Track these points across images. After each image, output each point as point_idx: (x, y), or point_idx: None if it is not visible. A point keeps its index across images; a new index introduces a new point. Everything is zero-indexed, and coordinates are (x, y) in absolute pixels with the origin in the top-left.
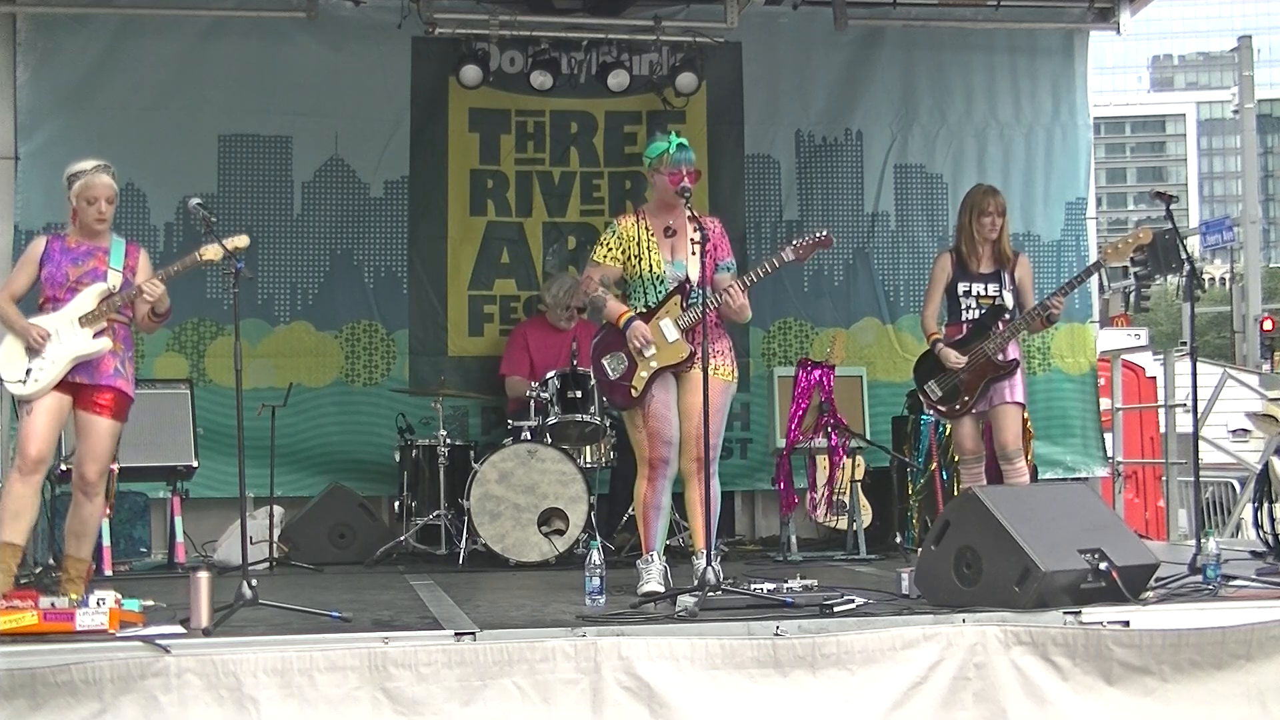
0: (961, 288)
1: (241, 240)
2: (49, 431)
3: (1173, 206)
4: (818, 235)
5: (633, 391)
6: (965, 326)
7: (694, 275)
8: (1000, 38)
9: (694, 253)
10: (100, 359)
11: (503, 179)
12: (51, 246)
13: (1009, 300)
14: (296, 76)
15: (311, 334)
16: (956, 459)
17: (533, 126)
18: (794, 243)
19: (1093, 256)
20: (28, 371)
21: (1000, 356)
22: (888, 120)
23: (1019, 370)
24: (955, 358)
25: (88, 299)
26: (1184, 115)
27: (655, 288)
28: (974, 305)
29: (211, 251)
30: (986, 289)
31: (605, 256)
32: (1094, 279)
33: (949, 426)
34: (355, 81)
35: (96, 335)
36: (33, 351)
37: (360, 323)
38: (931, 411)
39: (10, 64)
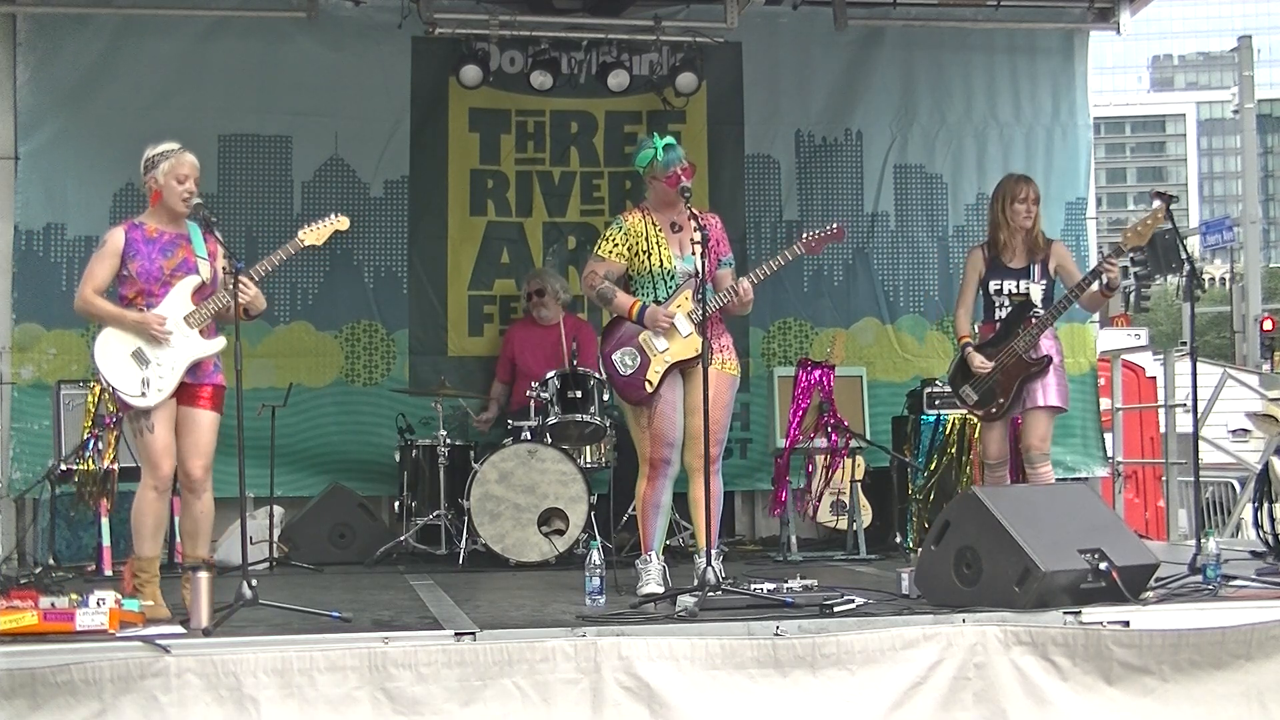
0: (993, 285)
1: (342, 222)
2: (173, 443)
3: (1173, 206)
4: (829, 228)
5: (648, 386)
6: (998, 325)
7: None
8: (1000, 38)
9: (693, 251)
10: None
11: (503, 179)
12: (132, 237)
13: (1037, 295)
14: (296, 76)
15: (311, 334)
16: (964, 459)
17: (533, 126)
18: (804, 236)
19: (1093, 256)
20: (145, 382)
21: (1032, 354)
22: (888, 120)
23: (1051, 369)
24: (980, 362)
25: (184, 296)
26: (1184, 115)
27: (665, 283)
28: (1006, 303)
29: (313, 235)
30: (1019, 285)
31: (610, 252)
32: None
33: (948, 427)
34: (355, 81)
35: (203, 333)
36: (140, 358)
37: (360, 323)
38: (970, 415)
39: (10, 64)
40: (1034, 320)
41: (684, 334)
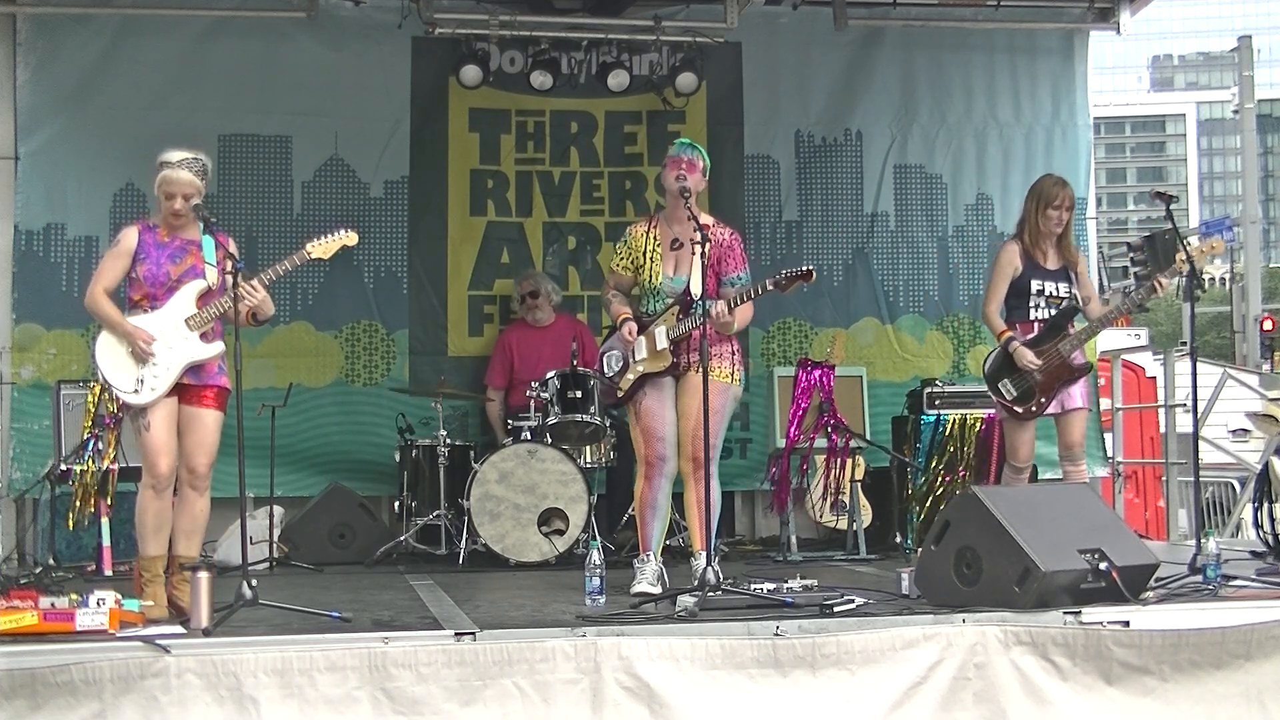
0: (1035, 286)
1: (350, 238)
2: (172, 441)
3: (1173, 206)
4: (801, 269)
5: (618, 392)
6: (1036, 325)
7: (695, 289)
8: (1000, 38)
9: (694, 253)
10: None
11: (503, 179)
12: (144, 240)
13: (1080, 300)
14: (296, 76)
15: (311, 334)
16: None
17: (533, 126)
18: (778, 275)
19: (1093, 257)
20: (140, 380)
21: (1076, 359)
22: (887, 120)
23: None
24: (1031, 358)
25: (188, 300)
26: (1184, 115)
27: (654, 298)
28: (1043, 305)
29: (320, 249)
30: (1059, 288)
31: (618, 265)
32: (1096, 278)
33: (948, 427)
34: (355, 81)
35: (204, 337)
36: (139, 357)
37: (360, 323)
38: (1003, 412)
39: (10, 64)
40: (1084, 326)
41: (658, 347)
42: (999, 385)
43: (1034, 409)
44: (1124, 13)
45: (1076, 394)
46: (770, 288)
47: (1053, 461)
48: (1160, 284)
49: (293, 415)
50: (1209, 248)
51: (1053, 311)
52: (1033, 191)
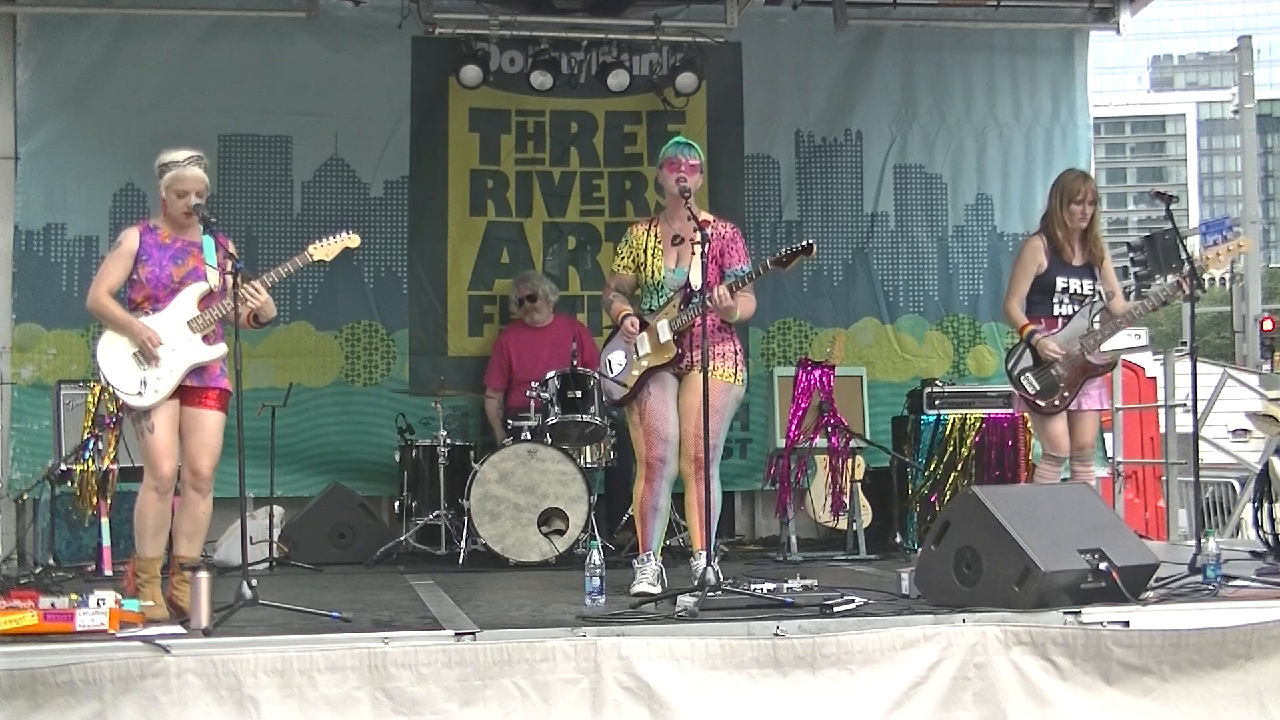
0: (1060, 283)
1: (353, 240)
2: (175, 443)
3: (1173, 206)
4: (802, 244)
5: (623, 389)
6: (1060, 321)
7: (696, 281)
8: (1000, 38)
9: (694, 252)
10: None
11: (503, 179)
12: (146, 241)
13: (1104, 296)
14: (296, 76)
15: (311, 334)
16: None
17: (533, 126)
18: (778, 251)
19: None
20: (143, 383)
21: (1099, 355)
22: (887, 120)
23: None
24: (1055, 348)
25: (190, 302)
26: (1184, 115)
27: (657, 293)
28: (1067, 301)
29: (322, 251)
30: (1083, 285)
31: (619, 265)
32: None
33: (948, 427)
34: (355, 81)
35: (206, 339)
36: (142, 358)
37: (360, 323)
38: (1027, 407)
39: (10, 64)
40: (1107, 322)
41: (661, 341)
42: (1021, 380)
43: (1057, 403)
44: (1124, 13)
45: (1096, 393)
46: (771, 266)
47: None
48: (1185, 281)
49: (293, 415)
50: (1237, 246)
51: (1076, 308)
52: (1055, 187)
